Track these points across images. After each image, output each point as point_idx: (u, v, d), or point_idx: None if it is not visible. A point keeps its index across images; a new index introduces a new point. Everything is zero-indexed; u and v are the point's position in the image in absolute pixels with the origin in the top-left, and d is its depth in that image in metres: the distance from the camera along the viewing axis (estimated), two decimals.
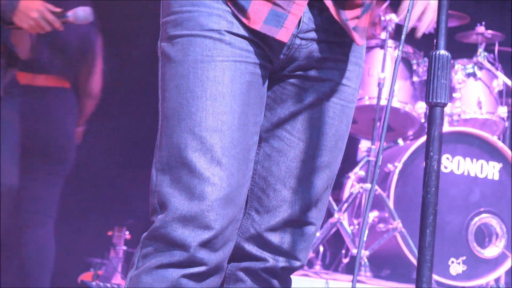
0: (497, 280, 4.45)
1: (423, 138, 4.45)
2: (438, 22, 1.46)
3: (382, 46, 4.64)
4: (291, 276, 1.78)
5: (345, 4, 1.67)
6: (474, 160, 4.45)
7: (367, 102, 4.63)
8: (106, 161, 5.30)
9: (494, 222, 4.39)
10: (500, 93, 4.84)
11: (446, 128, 4.48)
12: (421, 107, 4.70)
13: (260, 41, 1.63)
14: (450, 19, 4.41)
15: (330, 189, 1.76)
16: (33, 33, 3.29)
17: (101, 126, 5.23)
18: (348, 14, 1.67)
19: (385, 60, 4.47)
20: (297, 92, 1.70)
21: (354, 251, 4.19)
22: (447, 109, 4.62)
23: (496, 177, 4.46)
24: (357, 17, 1.69)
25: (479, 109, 4.69)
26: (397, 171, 4.33)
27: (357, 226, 4.44)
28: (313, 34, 1.67)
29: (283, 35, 1.62)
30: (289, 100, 1.70)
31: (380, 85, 4.38)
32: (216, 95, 1.57)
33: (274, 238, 1.71)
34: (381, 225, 4.31)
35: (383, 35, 4.69)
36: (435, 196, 1.40)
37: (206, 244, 1.55)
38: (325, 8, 1.65)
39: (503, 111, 4.73)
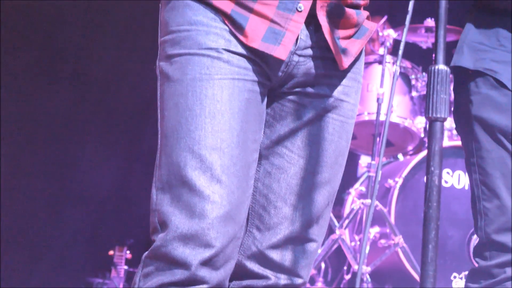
0: None
1: (423, 153, 4.44)
2: (436, 37, 1.46)
3: (381, 61, 4.65)
4: None
5: (339, 22, 1.67)
6: None
7: (366, 118, 4.63)
8: (106, 180, 5.29)
9: None
10: None
11: (446, 142, 4.47)
12: (420, 122, 4.70)
13: (258, 59, 1.63)
14: (448, 33, 4.42)
15: (331, 205, 1.76)
16: None
17: (101, 145, 5.22)
18: (341, 33, 1.68)
19: (383, 75, 4.48)
20: (296, 108, 1.70)
21: (356, 267, 4.18)
22: (447, 124, 4.61)
23: None
24: (350, 37, 1.70)
25: None
26: (397, 186, 4.32)
27: (358, 242, 4.42)
28: (310, 51, 1.67)
29: (280, 52, 1.62)
30: (288, 117, 1.70)
31: (379, 101, 4.38)
32: (215, 113, 1.57)
33: (276, 255, 1.70)
34: (382, 241, 4.30)
35: (381, 51, 4.70)
36: (437, 211, 1.40)
37: (207, 263, 1.55)
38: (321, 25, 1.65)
39: None
